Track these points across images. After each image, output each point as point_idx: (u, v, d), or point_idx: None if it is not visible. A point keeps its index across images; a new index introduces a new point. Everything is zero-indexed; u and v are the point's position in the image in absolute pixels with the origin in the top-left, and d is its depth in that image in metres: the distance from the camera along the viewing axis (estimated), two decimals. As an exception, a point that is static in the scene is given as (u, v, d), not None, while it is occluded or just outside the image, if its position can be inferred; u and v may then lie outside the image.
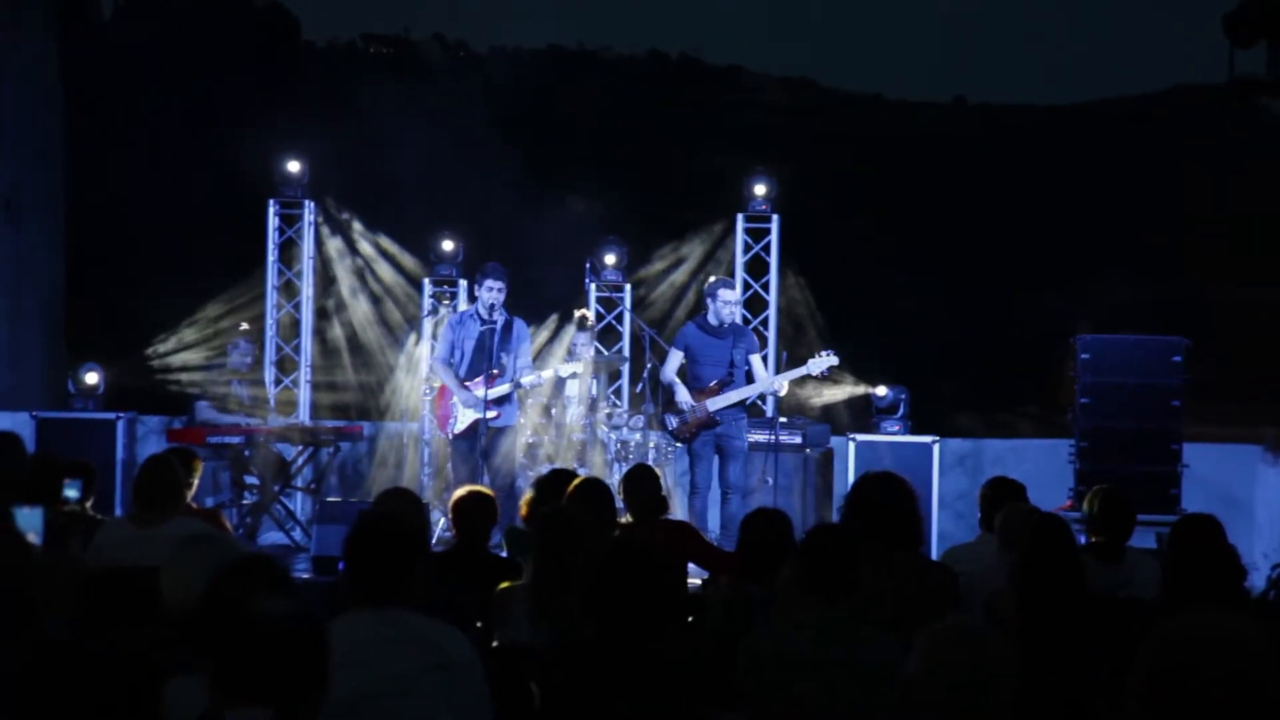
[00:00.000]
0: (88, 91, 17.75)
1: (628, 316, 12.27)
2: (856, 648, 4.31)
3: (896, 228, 27.50)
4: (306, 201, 12.80)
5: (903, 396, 11.35)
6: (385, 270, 13.55)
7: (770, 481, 10.51)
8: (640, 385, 10.99)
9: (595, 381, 11.11)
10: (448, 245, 12.53)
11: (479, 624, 5.20)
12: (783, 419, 11.05)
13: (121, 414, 11.62)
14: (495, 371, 10.15)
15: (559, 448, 10.79)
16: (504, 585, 5.27)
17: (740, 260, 12.65)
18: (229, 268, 13.97)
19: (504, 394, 10.20)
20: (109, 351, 12.85)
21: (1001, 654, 2.99)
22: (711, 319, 10.18)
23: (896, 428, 11.27)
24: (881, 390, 11.36)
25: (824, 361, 10.16)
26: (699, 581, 7.05)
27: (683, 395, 10.10)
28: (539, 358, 11.07)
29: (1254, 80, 10.52)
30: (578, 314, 11.36)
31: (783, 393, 10.42)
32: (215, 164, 19.72)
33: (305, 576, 9.20)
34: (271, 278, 12.85)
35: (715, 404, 10.05)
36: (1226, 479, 11.36)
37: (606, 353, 12.12)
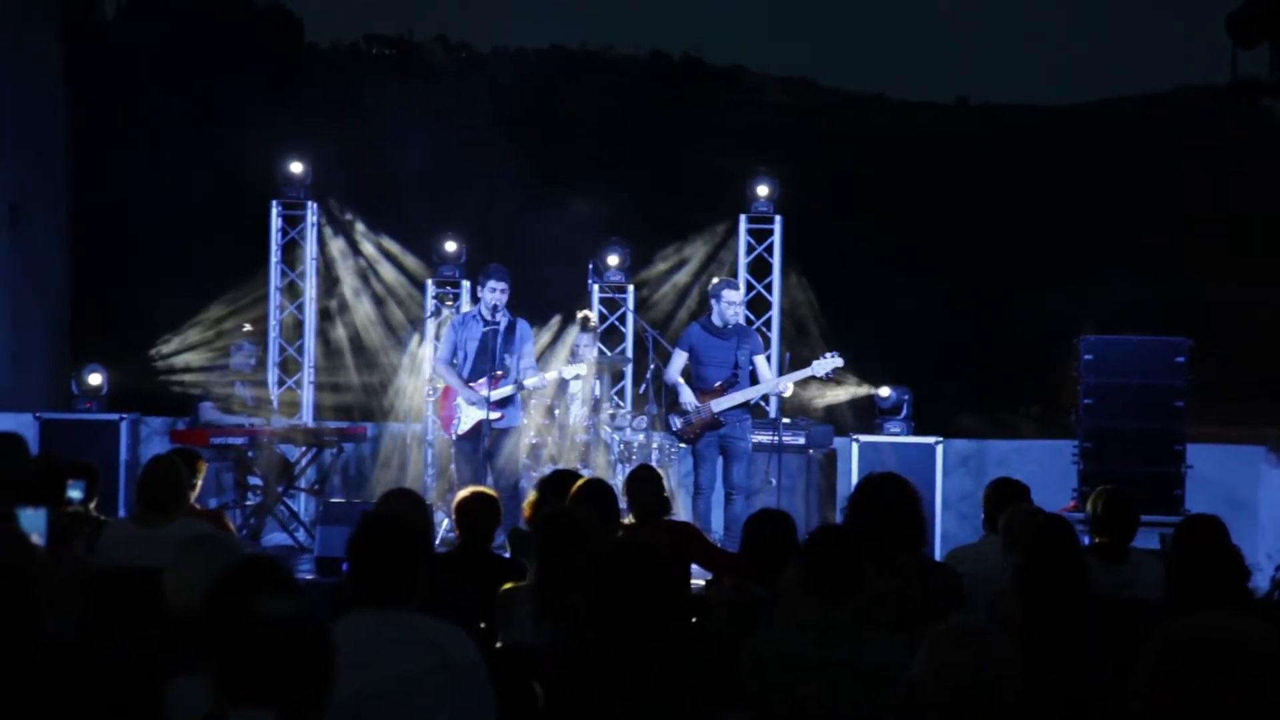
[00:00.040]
0: (91, 92, 17.74)
1: (630, 317, 12.27)
2: (860, 648, 4.31)
3: (898, 228, 27.49)
4: (309, 202, 12.81)
5: (906, 397, 11.34)
6: (388, 271, 13.55)
7: (774, 482, 10.51)
8: (643, 386, 10.99)
9: (598, 382, 11.11)
10: (450, 246, 12.53)
11: (482, 625, 5.20)
12: (786, 420, 11.06)
13: (125, 415, 11.64)
14: (499, 373, 10.14)
15: (562, 449, 10.79)
16: (507, 586, 5.27)
17: (743, 261, 12.65)
18: (232, 269, 13.97)
19: (507, 395, 10.19)
20: (112, 352, 12.85)
21: (1005, 655, 2.99)
22: (716, 320, 10.18)
23: (900, 429, 11.27)
24: (885, 391, 11.36)
25: (829, 363, 10.15)
26: (702, 583, 7.04)
27: (687, 396, 10.10)
28: (541, 359, 11.07)
29: (1257, 81, 10.51)
30: (580, 315, 11.37)
31: (788, 394, 10.42)
32: (218, 165, 19.71)
33: (309, 577, 9.21)
34: (275, 279, 12.85)
35: (719, 405, 10.05)
36: (1230, 480, 11.35)
37: (609, 354, 12.12)
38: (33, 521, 5.07)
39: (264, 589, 3.45)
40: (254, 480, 11.16)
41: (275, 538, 11.25)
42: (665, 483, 6.93)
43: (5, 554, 3.91)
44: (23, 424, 11.01)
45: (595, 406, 11.03)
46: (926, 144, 33.07)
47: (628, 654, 4.13)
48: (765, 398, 11.02)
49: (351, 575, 4.01)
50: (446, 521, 10.34)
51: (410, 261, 13.57)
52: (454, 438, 10.35)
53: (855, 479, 9.87)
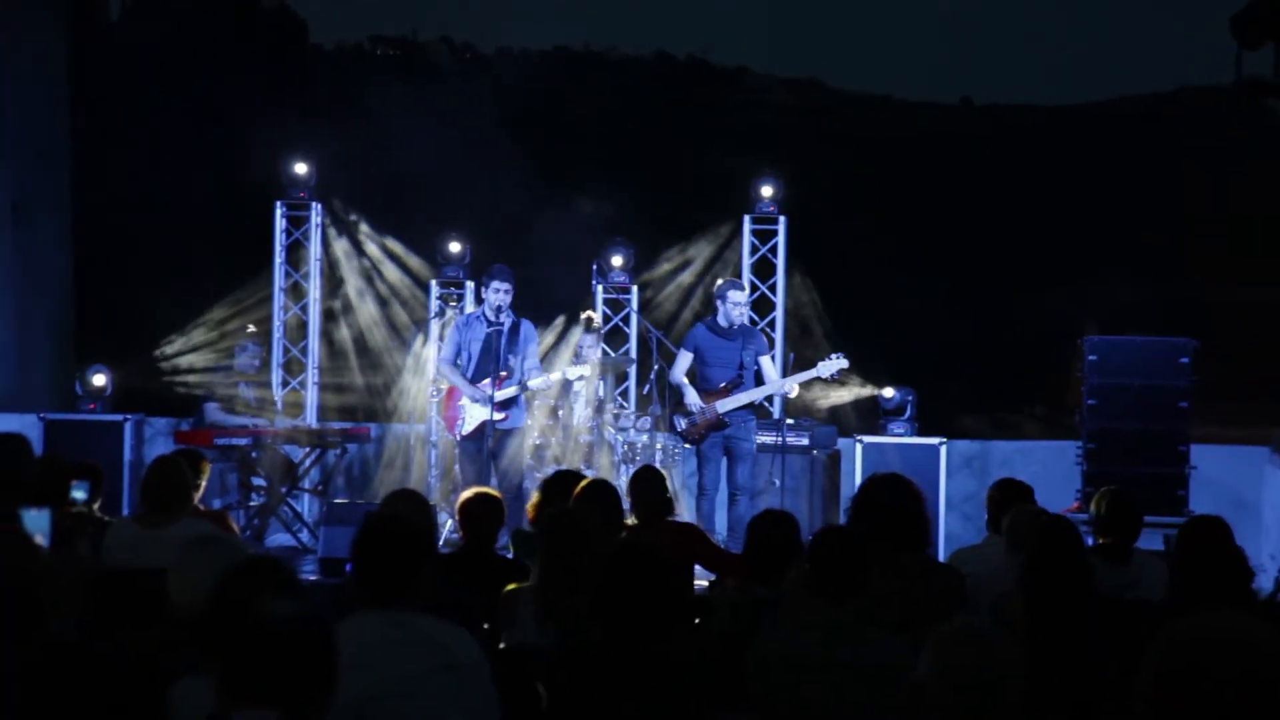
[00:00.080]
0: (95, 92, 17.76)
1: (634, 318, 12.27)
2: (863, 649, 4.31)
3: (902, 228, 27.47)
4: (314, 203, 12.82)
5: (910, 398, 11.34)
6: (392, 272, 13.56)
7: (777, 483, 10.51)
8: (647, 387, 10.99)
9: (602, 383, 11.11)
10: (455, 247, 12.54)
11: (486, 626, 5.20)
12: (790, 420, 11.06)
13: (129, 416, 11.65)
14: (503, 374, 10.13)
15: (566, 449, 10.79)
16: (511, 587, 5.27)
17: (747, 262, 12.64)
18: (236, 269, 13.98)
19: (511, 396, 10.18)
20: (116, 353, 12.87)
21: (1009, 655, 2.99)
22: (721, 320, 10.18)
23: (903, 429, 11.26)
24: (888, 392, 11.35)
25: (834, 364, 10.15)
26: (706, 584, 7.04)
27: (692, 397, 10.10)
28: (545, 360, 11.06)
29: (1261, 81, 10.51)
30: (584, 316, 11.37)
31: (793, 395, 10.41)
32: (223, 165, 19.72)
33: (312, 578, 9.21)
34: (279, 279, 12.86)
35: (724, 406, 10.04)
36: (1234, 481, 11.34)
37: (613, 354, 12.12)
38: (36, 522, 5.08)
39: (267, 590, 3.45)
40: (258, 481, 11.16)
41: (279, 538, 11.25)
42: (669, 484, 6.92)
43: (9, 554, 3.92)
44: (27, 425, 11.02)
45: (599, 407, 11.03)
46: (932, 144, 33.04)
47: (631, 655, 4.13)
48: (768, 398, 11.01)
49: (355, 576, 4.01)
50: (450, 522, 10.33)
51: (414, 262, 13.57)
52: (458, 438, 10.34)
53: (859, 480, 9.86)
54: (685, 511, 10.43)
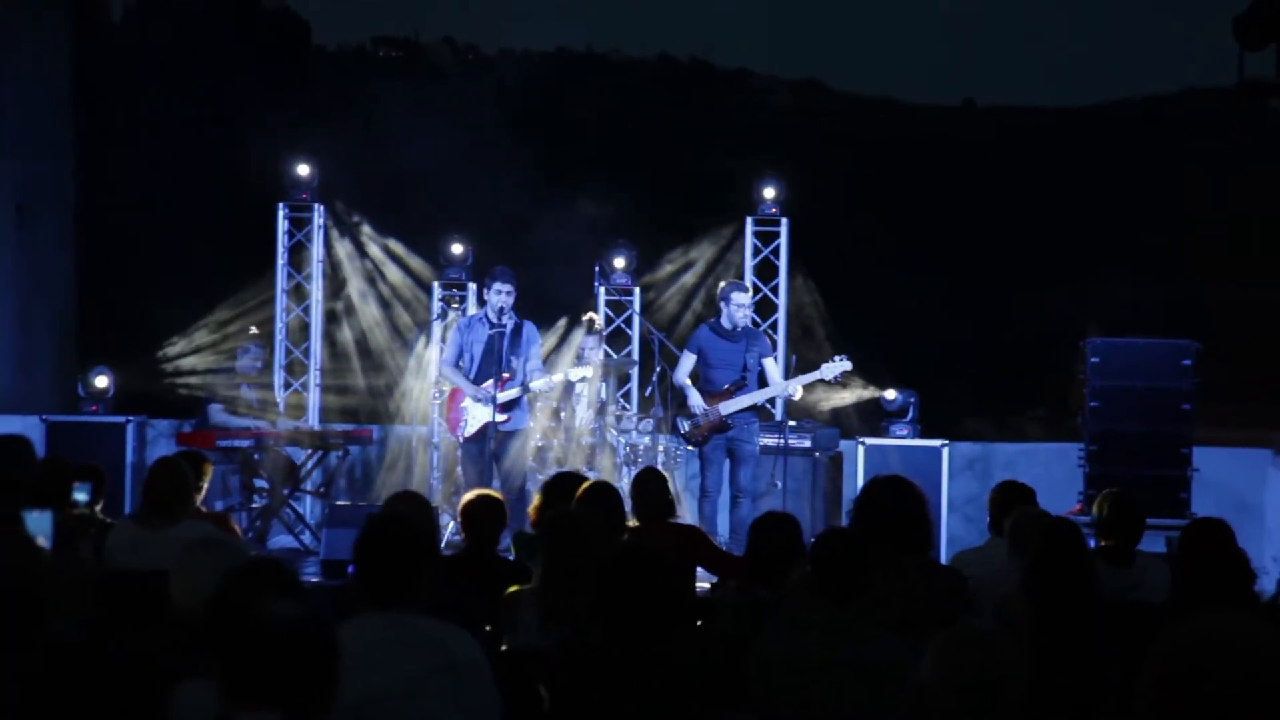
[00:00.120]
0: (98, 93, 17.76)
1: (637, 320, 12.27)
2: (865, 649, 4.31)
3: (904, 229, 27.47)
4: (316, 205, 12.82)
5: (912, 400, 11.34)
6: (394, 273, 13.56)
7: (780, 485, 10.51)
8: (649, 389, 10.99)
9: (604, 385, 11.11)
10: (457, 248, 12.54)
11: (488, 627, 5.20)
12: (792, 422, 11.06)
13: (131, 417, 11.65)
14: (505, 375, 10.13)
15: (568, 451, 10.79)
16: (513, 589, 5.27)
17: (749, 263, 12.64)
18: (238, 271, 13.98)
19: (514, 398, 10.17)
20: (119, 355, 12.87)
21: (1011, 657, 2.99)
22: (725, 322, 10.17)
23: (905, 431, 11.27)
24: (891, 394, 11.35)
25: (837, 366, 10.15)
26: (707, 585, 7.04)
27: (695, 399, 10.09)
28: (547, 361, 11.06)
29: (1263, 83, 10.51)
30: (586, 317, 11.36)
31: (797, 397, 10.41)
32: (225, 167, 19.74)
33: (314, 580, 9.20)
34: (281, 281, 12.87)
35: (728, 408, 10.04)
36: (1236, 483, 11.33)
37: (615, 356, 12.12)
38: (39, 524, 5.07)
39: (269, 591, 3.45)
40: (260, 483, 11.16)
41: (281, 540, 11.25)
42: (670, 486, 6.92)
43: (11, 556, 3.91)
44: (29, 426, 11.03)
45: (601, 409, 11.03)
46: (934, 146, 33.03)
47: (633, 656, 4.13)
48: (771, 400, 11.02)
49: (357, 578, 4.01)
50: (452, 524, 10.33)
51: (416, 264, 13.57)
52: (460, 440, 10.34)
53: (861, 482, 9.86)
54: (687, 513, 10.43)
